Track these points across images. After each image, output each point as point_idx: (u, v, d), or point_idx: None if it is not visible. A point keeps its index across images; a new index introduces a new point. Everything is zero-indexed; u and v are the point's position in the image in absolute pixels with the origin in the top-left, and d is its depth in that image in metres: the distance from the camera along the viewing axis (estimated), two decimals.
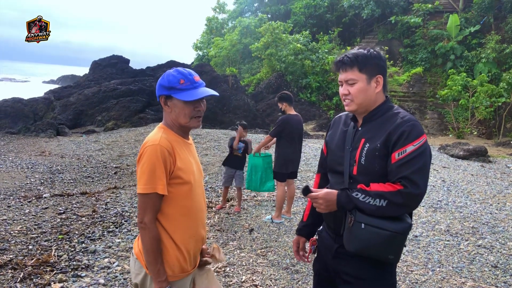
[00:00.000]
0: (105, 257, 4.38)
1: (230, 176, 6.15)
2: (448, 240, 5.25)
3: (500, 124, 16.97)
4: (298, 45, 21.83)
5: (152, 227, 1.89)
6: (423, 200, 6.93)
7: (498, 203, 7.16)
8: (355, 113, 2.01)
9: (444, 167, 10.40)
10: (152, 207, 1.89)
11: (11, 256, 4.30)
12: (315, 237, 2.24)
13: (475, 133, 17.92)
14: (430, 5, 23.13)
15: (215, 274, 4.03)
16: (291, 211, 6.01)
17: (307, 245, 2.27)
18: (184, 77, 1.95)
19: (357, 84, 1.92)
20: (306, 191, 1.96)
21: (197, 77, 1.99)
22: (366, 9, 24.36)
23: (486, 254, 4.86)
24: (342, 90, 1.97)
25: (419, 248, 4.95)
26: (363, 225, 1.80)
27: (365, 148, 1.89)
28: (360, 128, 1.98)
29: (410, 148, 1.78)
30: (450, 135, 17.87)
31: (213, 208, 6.21)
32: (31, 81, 58.95)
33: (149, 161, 1.87)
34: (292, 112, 5.75)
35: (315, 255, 2.23)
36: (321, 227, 2.22)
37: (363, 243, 1.81)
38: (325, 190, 1.93)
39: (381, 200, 1.78)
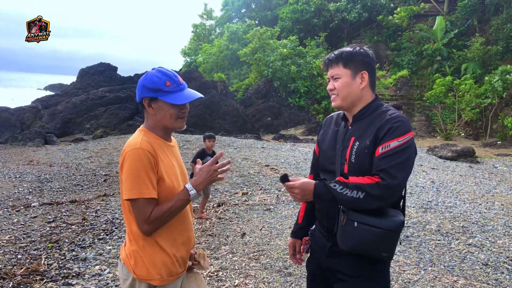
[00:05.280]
0: (96, 265, 4.33)
1: None
2: (439, 240, 5.29)
3: (487, 125, 17.19)
4: (284, 50, 21.93)
5: (155, 223, 1.83)
6: (413, 200, 7.00)
7: (487, 203, 7.23)
8: (342, 109, 2.05)
9: (433, 168, 10.49)
10: (147, 211, 1.82)
11: None
12: (308, 236, 2.23)
13: (463, 134, 18.13)
14: (415, 7, 23.43)
15: (208, 279, 4.01)
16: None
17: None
18: (169, 78, 1.91)
19: (341, 79, 1.97)
20: (283, 179, 1.93)
21: (180, 78, 1.97)
22: (353, 13, 24.60)
23: (477, 252, 4.90)
24: (328, 86, 2.04)
25: (410, 248, 4.98)
26: (356, 224, 1.80)
27: (355, 147, 1.91)
28: (350, 127, 2.00)
29: (394, 143, 1.80)
30: (438, 137, 18.05)
31: (205, 212, 6.19)
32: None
33: (133, 167, 1.80)
34: None
35: (308, 254, 2.23)
36: (314, 226, 2.22)
37: (356, 242, 1.82)
38: (302, 180, 1.92)
39: (358, 192, 1.78)
